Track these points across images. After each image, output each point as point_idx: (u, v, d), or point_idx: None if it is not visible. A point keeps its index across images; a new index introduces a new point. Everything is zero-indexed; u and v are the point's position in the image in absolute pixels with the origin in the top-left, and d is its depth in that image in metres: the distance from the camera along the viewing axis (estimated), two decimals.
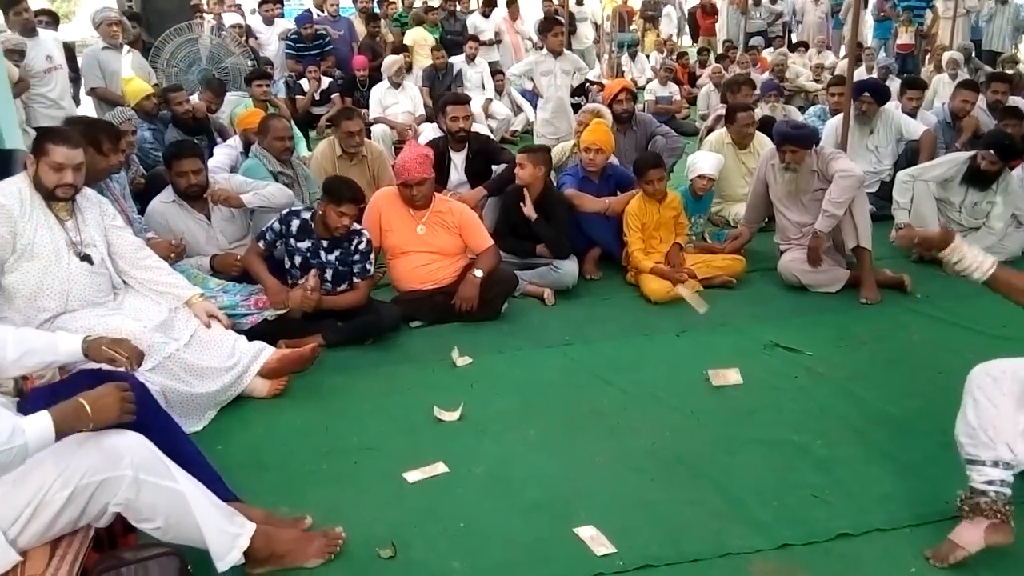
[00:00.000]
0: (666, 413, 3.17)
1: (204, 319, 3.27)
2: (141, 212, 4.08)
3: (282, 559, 2.26)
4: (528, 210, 4.37)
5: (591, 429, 3.06)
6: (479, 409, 3.19)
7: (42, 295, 2.98)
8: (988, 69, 9.54)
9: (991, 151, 4.60)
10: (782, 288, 4.45)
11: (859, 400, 3.22)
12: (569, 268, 4.43)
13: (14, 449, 1.79)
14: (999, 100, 6.09)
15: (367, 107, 7.70)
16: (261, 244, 3.86)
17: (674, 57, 11.61)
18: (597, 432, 3.04)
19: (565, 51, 6.81)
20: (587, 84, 9.51)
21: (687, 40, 16.83)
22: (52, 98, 5.85)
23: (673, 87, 9.87)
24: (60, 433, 1.88)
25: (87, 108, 6.69)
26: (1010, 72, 7.74)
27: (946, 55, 9.45)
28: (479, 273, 4.03)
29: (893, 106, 6.08)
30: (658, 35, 14.76)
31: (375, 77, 8.23)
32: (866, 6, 11.84)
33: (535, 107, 7.31)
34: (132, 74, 6.35)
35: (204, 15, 8.78)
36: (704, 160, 4.86)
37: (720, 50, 12.43)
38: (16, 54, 5.52)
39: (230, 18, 8.96)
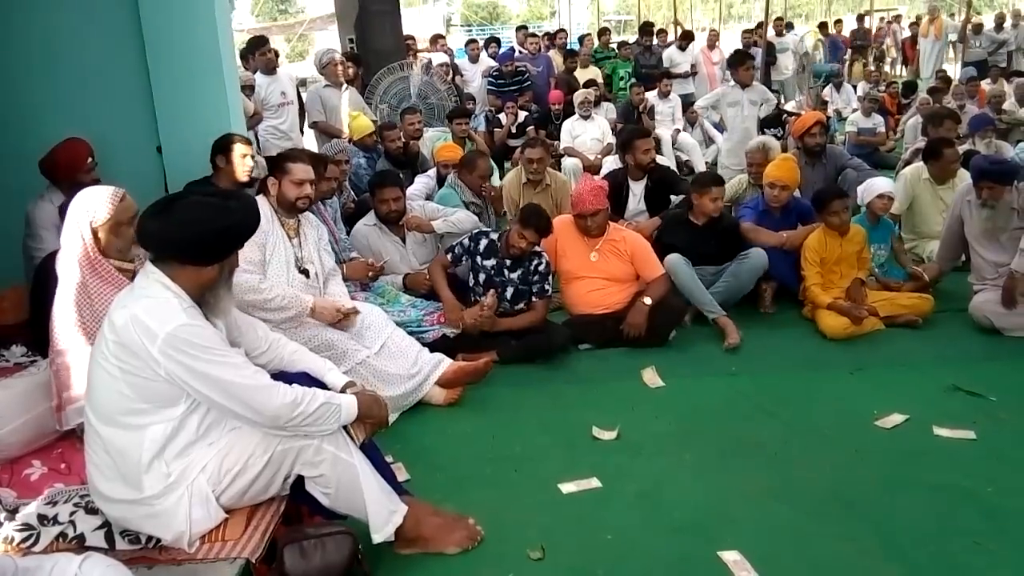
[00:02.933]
0: (828, 449, 3.14)
1: (331, 316, 3.51)
2: (349, 233, 4.58)
3: (427, 543, 2.51)
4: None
5: (748, 459, 3.09)
6: (637, 431, 3.32)
7: None
8: None
9: None
10: (973, 330, 4.21)
11: None
12: (756, 255, 4.44)
13: (332, 406, 2.29)
14: None
15: (560, 139, 8.04)
16: (449, 257, 4.21)
17: (882, 88, 11.09)
18: (754, 462, 3.07)
19: (754, 83, 6.81)
20: (785, 116, 9.34)
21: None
22: (283, 130, 6.67)
23: (878, 118, 9.44)
24: (361, 415, 2.39)
25: (309, 140, 7.48)
26: None
27: None
28: (648, 300, 4.15)
29: None
30: (866, 64, 14.13)
31: (569, 111, 8.55)
32: None
33: None
34: (350, 110, 7.07)
35: (416, 55, 9.55)
36: (876, 180, 4.71)
37: (933, 80, 11.71)
38: (248, 89, 6.33)
39: (438, 58, 9.66)
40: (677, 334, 4.29)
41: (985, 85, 10.10)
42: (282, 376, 2.42)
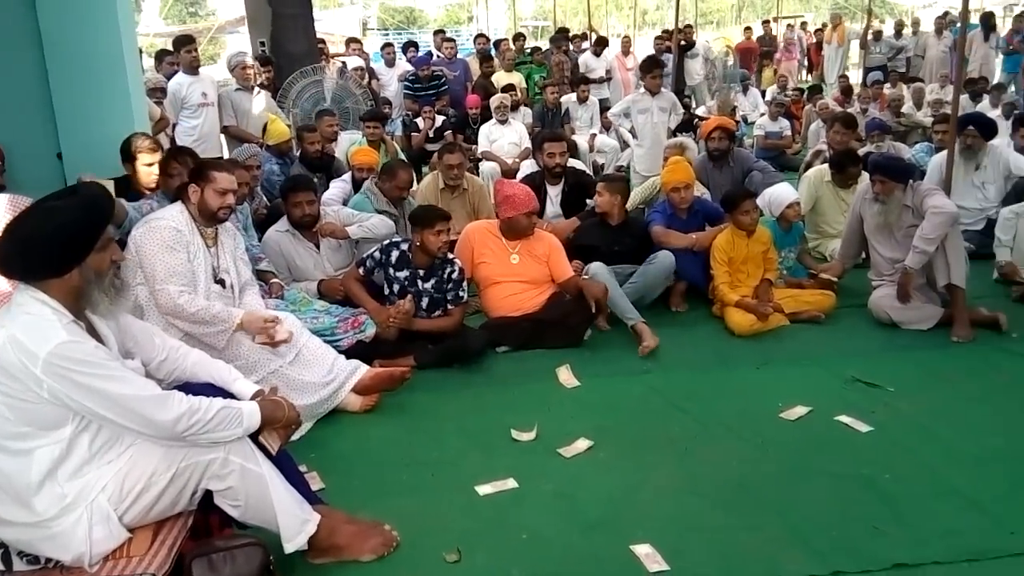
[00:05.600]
0: (736, 443, 3.24)
1: (259, 328, 3.42)
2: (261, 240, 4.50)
3: (341, 551, 2.50)
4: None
5: (660, 454, 3.17)
6: (554, 431, 3.35)
7: None
8: None
9: None
10: (872, 325, 4.41)
11: (935, 437, 3.19)
12: (663, 256, 4.55)
13: (232, 411, 2.24)
14: None
15: (478, 143, 8.07)
16: (361, 270, 4.18)
17: (788, 93, 11.49)
18: (665, 457, 3.14)
19: (663, 90, 7.00)
20: (696, 121, 9.59)
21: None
22: (202, 132, 6.53)
23: (784, 122, 9.79)
24: (264, 420, 2.34)
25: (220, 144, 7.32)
26: None
27: None
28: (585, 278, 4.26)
29: (1005, 143, 5.89)
30: (775, 71, 14.62)
31: (487, 115, 8.60)
32: (986, 39, 11.36)
33: None
34: (262, 113, 6.95)
35: (331, 58, 9.44)
36: (783, 191, 4.89)
37: (837, 85, 12.20)
38: (159, 92, 6.17)
39: (353, 61, 9.57)
40: (593, 333, 4.36)
41: (886, 89, 10.58)
42: (186, 387, 2.37)
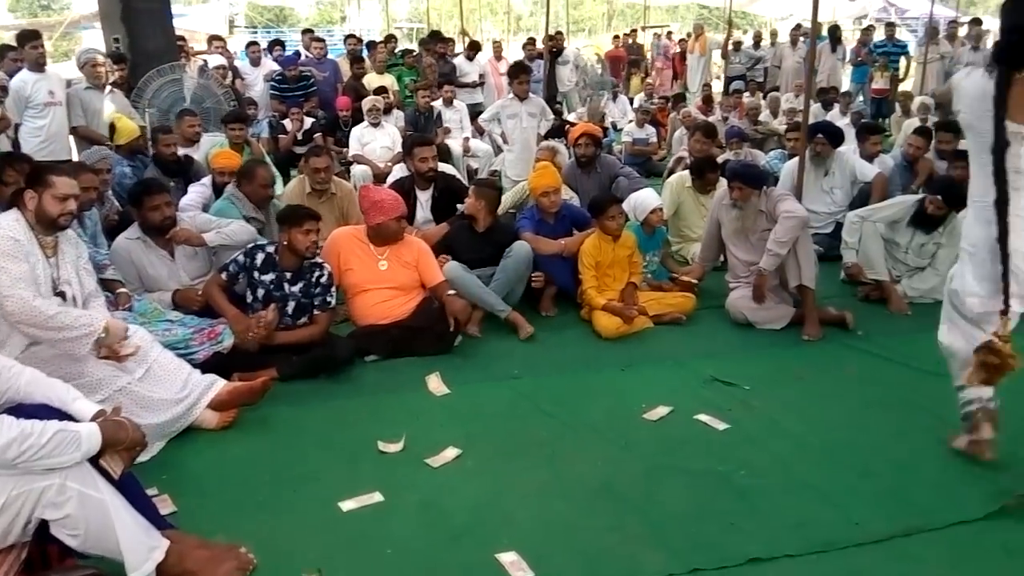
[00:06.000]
0: (600, 444, 3.28)
1: (118, 339, 3.23)
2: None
3: None
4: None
5: (527, 459, 3.17)
6: (421, 441, 3.30)
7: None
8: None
9: (939, 196, 4.77)
10: (730, 325, 4.58)
11: (786, 432, 3.34)
12: (519, 247, 4.58)
13: (69, 433, 2.12)
14: (943, 149, 6.23)
15: (349, 146, 7.91)
16: (223, 276, 4.00)
17: (654, 100, 11.86)
18: (532, 462, 3.15)
19: (531, 96, 7.08)
20: (567, 127, 9.75)
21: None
22: (50, 132, 6.10)
23: (650, 129, 10.09)
24: (106, 442, 2.20)
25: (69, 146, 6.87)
26: (947, 121, 7.89)
27: (917, 100, 9.71)
28: (452, 292, 4.20)
29: (852, 149, 6.27)
30: (642, 79, 15.07)
31: (358, 118, 8.44)
32: (833, 50, 12.09)
33: None
34: (115, 113, 6.56)
35: (191, 56, 9.03)
36: (647, 196, 5.03)
37: (700, 93, 12.68)
38: (1, 91, 5.73)
39: (215, 60, 9.21)
40: (464, 340, 4.33)
41: (745, 98, 11.08)
42: (18, 410, 2.19)
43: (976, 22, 12.06)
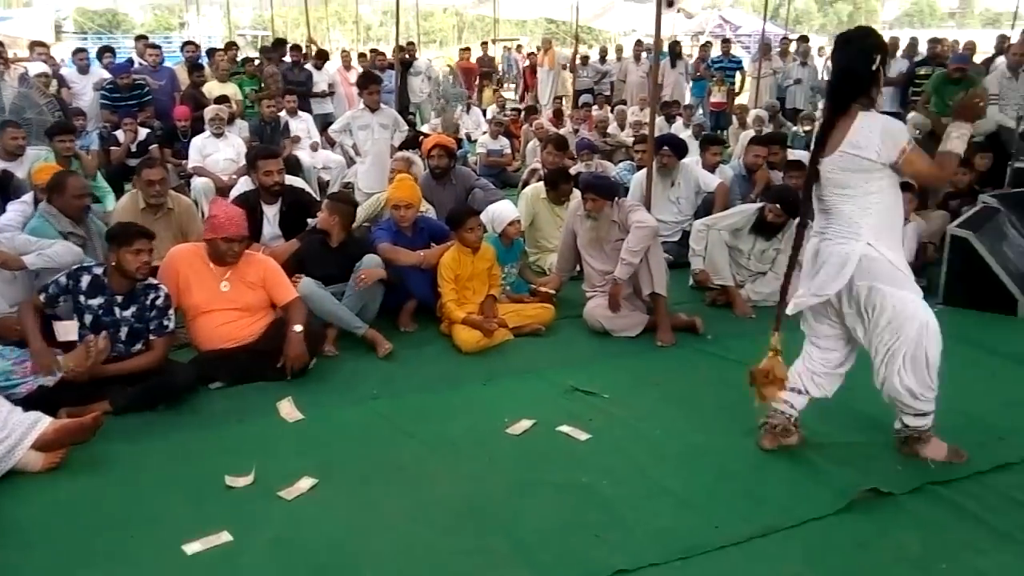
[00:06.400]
0: (464, 462, 3.21)
1: None
2: None
3: None
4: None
5: (388, 484, 3.05)
6: (273, 472, 3.11)
7: None
8: (791, 126, 10.39)
9: (777, 205, 5.00)
10: (587, 334, 4.63)
11: (646, 438, 3.38)
12: (368, 261, 4.46)
13: None
14: (774, 161, 6.55)
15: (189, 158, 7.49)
16: (42, 297, 3.63)
17: (507, 112, 11.96)
18: (394, 487, 3.03)
19: (383, 107, 6.96)
20: (421, 138, 9.66)
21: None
22: None
23: (504, 141, 10.15)
24: None
25: None
26: (775, 133, 8.42)
27: (752, 112, 10.26)
28: (298, 328, 3.94)
29: (693, 161, 6.51)
30: (494, 90, 15.19)
31: (198, 128, 8.01)
32: (674, 65, 12.62)
33: None
34: None
35: (10, 64, 8.30)
36: (505, 208, 5.03)
37: (551, 105, 12.92)
38: None
39: (36, 67, 8.52)
40: (318, 361, 4.14)
41: (594, 111, 11.36)
42: None
43: (804, 39, 12.91)
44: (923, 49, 11.28)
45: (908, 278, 2.94)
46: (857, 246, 2.89)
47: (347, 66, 11.51)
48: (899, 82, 9.95)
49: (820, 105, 11.82)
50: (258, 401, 3.73)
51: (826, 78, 12.21)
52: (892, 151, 2.82)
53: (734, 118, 11.03)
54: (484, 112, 12.99)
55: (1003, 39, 11.95)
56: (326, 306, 4.28)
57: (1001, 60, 9.69)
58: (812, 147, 2.94)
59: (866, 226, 2.89)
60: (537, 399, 3.77)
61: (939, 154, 2.87)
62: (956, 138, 2.85)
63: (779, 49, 12.75)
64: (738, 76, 12.79)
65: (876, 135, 2.82)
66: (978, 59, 10.57)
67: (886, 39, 3.32)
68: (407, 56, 12.57)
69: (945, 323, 3.13)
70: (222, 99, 8.37)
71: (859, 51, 2.89)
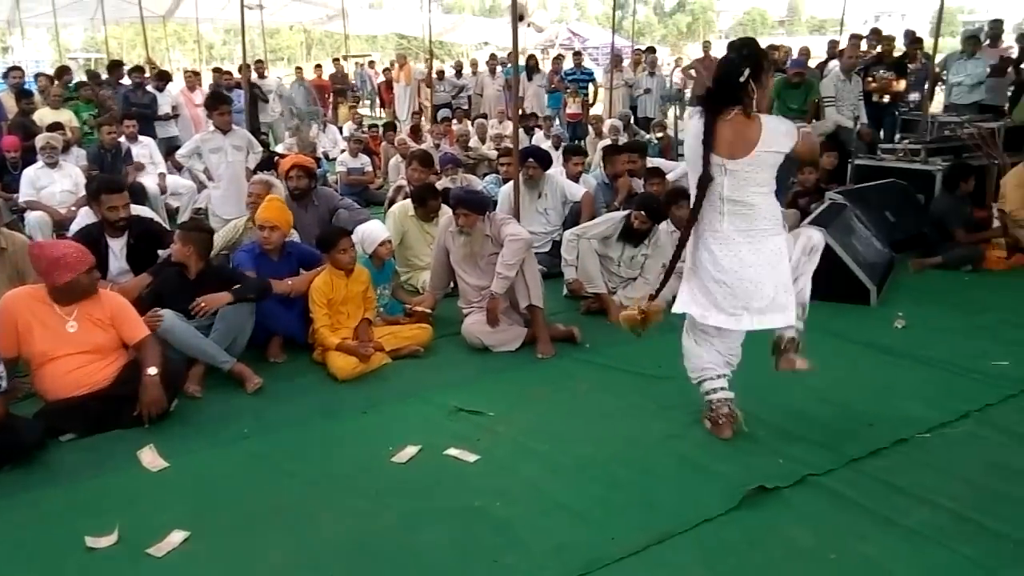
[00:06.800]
0: (349, 498, 3.05)
1: None
2: None
3: None
4: None
5: (268, 530, 2.85)
6: (139, 528, 2.84)
7: None
8: (644, 135, 10.72)
9: (642, 212, 5.10)
10: (467, 352, 4.55)
11: (534, 454, 3.33)
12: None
13: None
14: (633, 169, 6.70)
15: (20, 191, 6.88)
16: None
17: (364, 129, 11.76)
18: (275, 532, 2.83)
19: (235, 128, 6.66)
20: (276, 158, 9.31)
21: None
22: None
23: (365, 158, 9.95)
24: None
25: None
26: (635, 142, 8.68)
27: (606, 122, 10.51)
28: (153, 371, 3.63)
29: (557, 171, 6.58)
30: (350, 107, 14.93)
31: (29, 159, 7.39)
32: (531, 78, 12.77)
33: None
34: None
35: None
36: (375, 228, 4.90)
37: (410, 121, 12.82)
38: None
39: None
40: (181, 401, 3.86)
41: (454, 126, 11.34)
42: None
43: (651, 51, 13.37)
44: None
45: None
46: (780, 239, 3.17)
47: (191, 87, 10.98)
48: None
49: (670, 113, 12.39)
50: (116, 451, 3.42)
51: (675, 87, 12.81)
52: (793, 139, 3.11)
53: (590, 128, 11.28)
54: (341, 130, 12.74)
55: (834, 44, 12.84)
56: (189, 341, 4.01)
57: (834, 64, 10.41)
58: (703, 151, 3.07)
59: (779, 216, 3.20)
60: (421, 423, 3.65)
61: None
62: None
63: (631, 61, 13.15)
64: (591, 87, 13.10)
65: (781, 131, 3.10)
66: (812, 63, 11.26)
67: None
68: (256, 75, 12.15)
69: (807, 317, 3.28)
70: (55, 126, 7.78)
71: (730, 63, 3.10)
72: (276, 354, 4.47)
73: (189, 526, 2.84)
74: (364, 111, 18.82)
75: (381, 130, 11.32)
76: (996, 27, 10.63)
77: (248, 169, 6.67)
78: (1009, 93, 9.10)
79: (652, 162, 6.89)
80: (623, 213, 5.33)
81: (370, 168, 9.94)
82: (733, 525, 2.78)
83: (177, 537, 2.79)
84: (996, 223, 6.09)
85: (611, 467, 3.21)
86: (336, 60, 19.04)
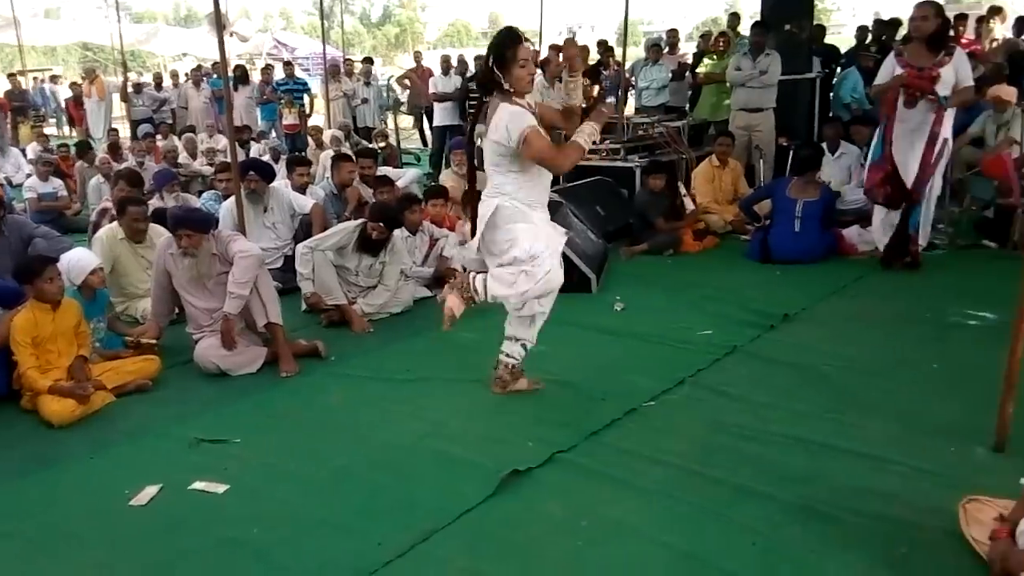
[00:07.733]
0: (85, 552, 2.76)
1: None
2: None
3: None
4: None
5: None
6: None
7: None
8: (366, 144, 10.71)
9: (380, 223, 5.08)
10: (203, 379, 4.28)
11: (288, 474, 3.22)
12: None
13: None
14: (366, 175, 6.74)
15: None
16: None
17: (52, 150, 10.59)
18: None
19: None
20: None
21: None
22: None
23: (57, 182, 8.98)
24: None
25: None
26: (367, 148, 8.75)
27: (327, 133, 10.38)
28: None
29: (282, 184, 6.40)
30: (32, 127, 13.41)
31: None
32: (236, 89, 12.16)
33: None
34: None
35: None
36: (83, 256, 4.48)
37: (106, 139, 11.76)
38: None
39: None
40: None
41: (159, 142, 10.57)
42: None
43: (368, 60, 13.48)
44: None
45: None
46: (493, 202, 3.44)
47: None
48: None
49: (389, 122, 12.53)
50: None
51: (393, 96, 12.98)
52: (515, 135, 3.26)
53: (310, 139, 11.07)
54: (24, 152, 11.39)
55: (536, 54, 13.67)
56: None
57: (538, 73, 11.10)
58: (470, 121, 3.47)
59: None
60: (159, 460, 3.38)
61: (566, 144, 3.46)
62: (587, 135, 3.40)
63: (346, 71, 13.08)
64: (306, 97, 12.85)
65: (503, 123, 3.28)
66: None
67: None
68: None
69: None
70: None
71: (486, 54, 3.45)
72: None
73: None
74: (51, 131, 16.97)
75: (74, 150, 10.29)
76: (673, 36, 11.97)
77: None
78: (688, 94, 10.25)
79: (380, 171, 6.92)
80: (357, 222, 5.29)
81: (64, 192, 9.00)
82: (493, 511, 2.89)
83: None
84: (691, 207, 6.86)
85: (370, 475, 3.20)
86: (12, 75, 16.96)
